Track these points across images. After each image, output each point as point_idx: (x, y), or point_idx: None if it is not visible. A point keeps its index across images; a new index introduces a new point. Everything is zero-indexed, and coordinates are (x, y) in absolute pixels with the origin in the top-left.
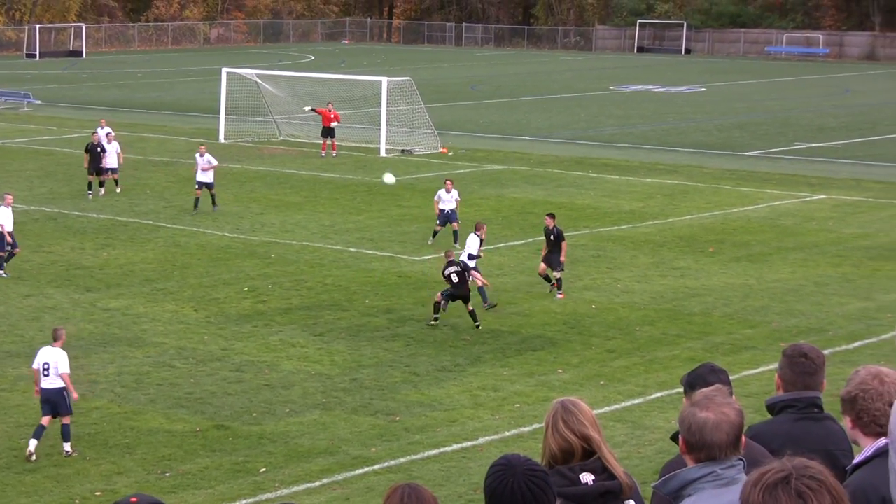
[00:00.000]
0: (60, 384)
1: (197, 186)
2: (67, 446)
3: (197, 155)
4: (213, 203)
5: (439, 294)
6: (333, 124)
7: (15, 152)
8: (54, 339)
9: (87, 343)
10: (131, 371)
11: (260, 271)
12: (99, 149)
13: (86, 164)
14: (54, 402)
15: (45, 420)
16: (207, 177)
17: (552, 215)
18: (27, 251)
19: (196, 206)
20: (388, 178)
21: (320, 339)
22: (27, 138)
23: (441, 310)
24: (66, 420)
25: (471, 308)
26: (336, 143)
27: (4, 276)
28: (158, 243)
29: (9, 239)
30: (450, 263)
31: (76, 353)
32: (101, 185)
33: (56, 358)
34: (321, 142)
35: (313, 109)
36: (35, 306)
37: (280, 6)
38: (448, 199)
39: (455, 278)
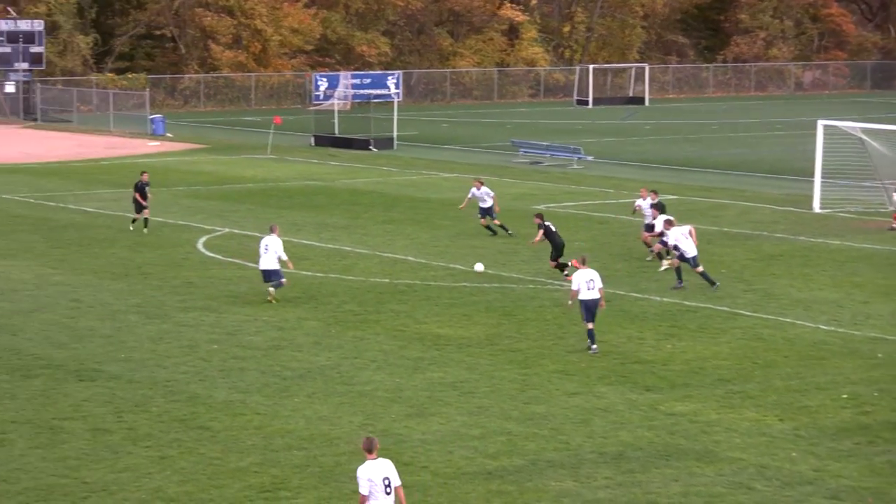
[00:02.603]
0: None
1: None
2: None
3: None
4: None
5: None
6: None
7: (561, 219)
8: (367, 449)
9: (645, 454)
10: (699, 492)
11: (863, 374)
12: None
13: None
14: None
15: None
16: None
17: None
18: (572, 340)
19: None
20: (479, 268)
21: None
22: (576, 202)
23: None
24: None
25: None
26: None
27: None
28: (735, 335)
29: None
30: None
31: (632, 465)
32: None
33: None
34: None
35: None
36: (583, 406)
37: (893, 44)
38: None
39: None
